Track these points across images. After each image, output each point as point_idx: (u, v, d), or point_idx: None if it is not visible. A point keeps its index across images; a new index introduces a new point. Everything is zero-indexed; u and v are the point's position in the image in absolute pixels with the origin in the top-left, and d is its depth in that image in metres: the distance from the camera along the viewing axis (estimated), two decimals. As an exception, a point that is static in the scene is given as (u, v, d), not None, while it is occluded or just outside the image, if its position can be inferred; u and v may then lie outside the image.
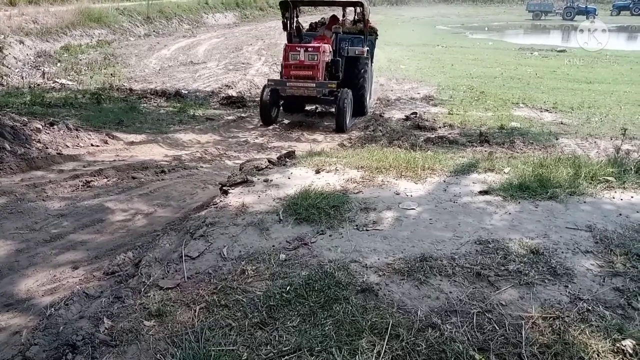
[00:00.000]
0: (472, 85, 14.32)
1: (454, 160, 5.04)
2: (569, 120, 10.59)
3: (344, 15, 13.22)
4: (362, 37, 11.78)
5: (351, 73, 10.95)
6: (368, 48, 11.61)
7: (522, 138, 8.72)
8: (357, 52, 11.12)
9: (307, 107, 11.87)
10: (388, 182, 4.23)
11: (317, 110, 12.09)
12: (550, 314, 2.43)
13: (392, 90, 13.99)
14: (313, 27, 12.44)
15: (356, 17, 12.62)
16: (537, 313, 2.43)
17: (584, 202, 3.76)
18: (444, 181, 4.27)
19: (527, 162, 4.84)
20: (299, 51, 10.22)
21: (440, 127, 9.74)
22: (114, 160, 6.93)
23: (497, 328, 2.35)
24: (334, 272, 2.75)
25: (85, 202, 5.00)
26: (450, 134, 9.18)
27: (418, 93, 13.51)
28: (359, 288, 2.64)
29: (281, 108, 11.22)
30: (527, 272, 2.75)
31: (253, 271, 2.86)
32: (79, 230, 4.29)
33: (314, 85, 9.95)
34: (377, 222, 3.43)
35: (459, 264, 2.83)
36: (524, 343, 2.25)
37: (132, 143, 7.99)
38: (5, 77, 12.34)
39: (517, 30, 40.11)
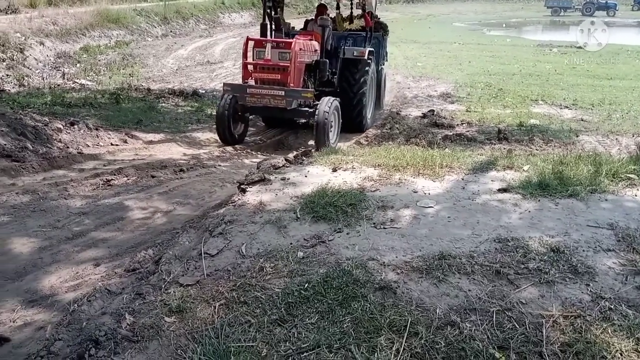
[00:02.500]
0: (490, 82, 14.19)
1: (472, 158, 5.00)
2: (590, 117, 10.45)
3: (338, 7, 11.31)
4: (365, 34, 9.77)
5: (347, 79, 9.07)
6: (372, 48, 9.63)
7: (542, 135, 8.63)
8: (355, 54, 9.08)
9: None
10: (405, 180, 4.22)
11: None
12: (571, 312, 2.41)
13: (409, 88, 13.94)
14: (306, 24, 10.31)
15: (355, 7, 10.75)
16: (558, 312, 2.41)
17: (606, 199, 3.70)
18: (462, 179, 4.24)
19: (547, 159, 4.79)
20: (265, 47, 8.12)
21: (458, 125, 9.68)
22: (134, 159, 7.02)
23: (517, 326, 2.33)
24: (352, 270, 2.76)
25: (105, 200, 5.08)
26: (468, 131, 9.12)
27: (435, 90, 13.44)
28: (377, 286, 2.64)
29: (249, 121, 9.04)
30: (547, 270, 2.72)
31: (271, 268, 2.88)
32: (100, 228, 4.36)
33: (283, 93, 7.72)
34: (395, 220, 3.43)
35: (478, 262, 2.82)
36: (544, 342, 2.24)
37: (150, 142, 8.08)
38: (26, 78, 12.55)
39: (535, 27, 39.64)
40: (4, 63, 12.76)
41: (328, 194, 3.73)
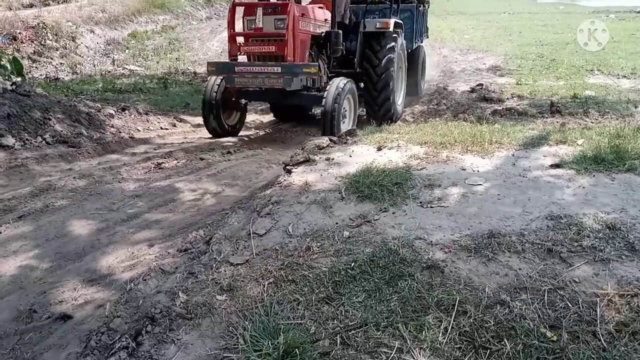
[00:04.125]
0: (542, 53, 13.66)
1: (523, 133, 4.85)
2: (650, 86, 9.90)
3: None
4: (391, 3, 8.39)
5: (369, 58, 7.62)
6: (399, 20, 8.30)
7: (597, 107, 8.26)
8: (377, 26, 7.66)
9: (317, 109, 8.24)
10: (453, 157, 4.14)
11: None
12: (627, 291, 2.32)
13: (456, 62, 13.61)
14: None
15: None
16: (614, 290, 2.33)
17: (667, 173, 3.52)
18: (513, 155, 4.13)
19: (603, 132, 4.59)
20: (256, 13, 6.56)
21: (508, 99, 9.40)
22: (183, 143, 7.20)
23: (570, 305, 2.27)
24: (398, 249, 2.75)
25: (157, 183, 5.24)
26: (518, 105, 8.83)
27: (484, 63, 13.06)
28: (424, 265, 2.62)
29: (246, 110, 7.92)
30: (602, 248, 2.62)
31: (318, 248, 2.91)
32: (153, 210, 4.51)
33: (279, 70, 6.35)
34: (442, 199, 3.38)
35: (528, 240, 2.75)
36: (598, 321, 2.17)
37: (198, 125, 8.25)
38: (78, 66, 13.01)
39: (591, -8, 37.62)
40: (58, 52, 13.26)
41: (373, 174, 3.71)
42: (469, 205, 3.26)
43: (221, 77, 7.05)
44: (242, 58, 7.08)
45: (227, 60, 7.06)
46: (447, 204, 3.30)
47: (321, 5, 7.65)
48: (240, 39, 6.86)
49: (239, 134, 7.89)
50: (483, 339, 2.13)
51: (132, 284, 3.00)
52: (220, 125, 7.40)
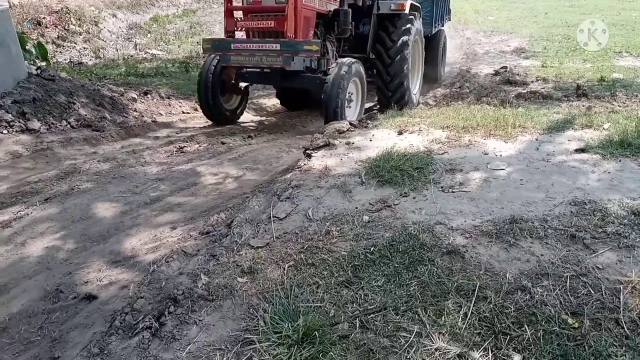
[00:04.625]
0: (569, 35, 13.33)
1: (548, 117, 4.77)
2: (681, 68, 9.60)
3: None
4: None
5: (382, 41, 7.23)
6: (417, 3, 7.83)
7: (625, 90, 8.05)
8: (392, 7, 7.27)
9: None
10: (475, 141, 4.09)
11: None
12: (653, 279, 2.28)
13: (479, 44, 13.38)
14: None
15: None
16: (638, 277, 2.29)
17: (697, 159, 3.43)
18: (536, 139, 4.06)
19: (630, 116, 4.48)
20: None
21: (532, 82, 9.23)
22: (204, 127, 7.24)
23: (593, 292, 2.24)
24: (419, 234, 2.74)
25: (179, 166, 5.30)
26: (543, 88, 8.67)
27: (508, 46, 12.82)
28: (445, 250, 2.61)
29: (247, 94, 7.41)
30: (627, 234, 2.57)
31: (337, 232, 2.92)
32: (175, 193, 4.57)
33: (278, 47, 5.86)
34: (464, 184, 3.35)
35: (551, 226, 2.71)
36: (622, 308, 2.14)
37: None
38: (101, 50, 13.13)
39: (621, -29, 36.39)
40: (81, 36, 13.39)
41: (393, 158, 3.69)
42: (491, 190, 3.22)
43: (217, 57, 6.60)
44: (241, 35, 6.62)
45: (223, 37, 6.53)
46: (468, 188, 3.27)
47: None
48: (238, 14, 6.36)
49: (256, 118, 7.79)
50: (503, 325, 2.12)
51: (155, 266, 3.06)
52: (218, 110, 6.99)
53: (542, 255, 2.51)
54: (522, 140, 4.05)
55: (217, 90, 6.83)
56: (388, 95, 7.28)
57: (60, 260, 3.40)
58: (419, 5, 8.04)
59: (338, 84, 5.95)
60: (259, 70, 6.63)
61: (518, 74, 9.70)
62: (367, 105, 7.51)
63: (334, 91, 5.94)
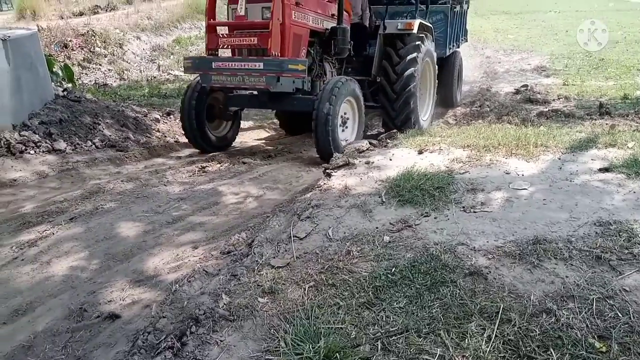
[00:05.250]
0: (590, 53, 13.20)
1: (570, 136, 4.72)
2: None
3: None
4: (416, 3, 7.41)
5: (388, 57, 6.83)
6: (426, 22, 7.37)
7: (650, 108, 7.91)
8: (399, 27, 6.87)
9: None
10: (497, 161, 4.06)
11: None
12: (683, 302, 2.22)
13: (499, 62, 13.35)
14: None
15: None
16: (668, 301, 2.23)
17: None
18: (559, 159, 4.02)
19: (656, 135, 4.40)
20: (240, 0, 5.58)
21: (554, 100, 9.16)
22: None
23: (620, 315, 2.19)
24: (440, 255, 2.72)
25: (201, 186, 5.36)
26: (565, 106, 8.59)
27: (529, 64, 12.77)
28: (467, 271, 2.58)
29: (238, 118, 6.96)
30: (655, 256, 2.52)
31: (358, 252, 2.91)
32: (197, 212, 4.61)
33: (262, 65, 5.37)
34: (486, 204, 3.32)
35: (576, 247, 2.67)
36: (651, 333, 2.09)
37: (240, 129, 8.37)
38: (126, 72, 13.42)
39: (643, -13, 36.10)
40: (106, 58, 13.72)
41: (414, 177, 3.69)
42: (513, 210, 3.19)
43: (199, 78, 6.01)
44: (226, 54, 6.17)
45: (204, 55, 5.98)
46: (490, 208, 3.25)
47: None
48: (222, 30, 5.84)
49: (276, 135, 7.84)
50: (528, 349, 2.08)
51: (177, 285, 3.07)
52: (204, 138, 6.49)
53: (567, 276, 2.46)
54: (545, 160, 4.02)
55: (203, 116, 6.39)
56: (393, 115, 6.86)
57: (84, 279, 3.45)
58: (431, 25, 7.71)
59: (327, 104, 5.51)
60: (248, 93, 6.23)
61: (539, 92, 9.64)
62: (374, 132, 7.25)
63: (323, 112, 5.50)
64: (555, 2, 26.60)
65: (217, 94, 6.44)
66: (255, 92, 6.17)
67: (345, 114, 6.02)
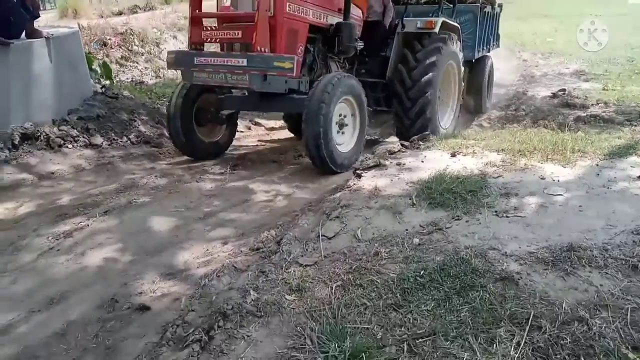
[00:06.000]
0: (632, 57, 12.82)
1: (609, 142, 4.58)
2: None
3: None
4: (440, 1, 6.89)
5: (405, 59, 6.25)
6: (454, 23, 6.86)
7: (694, 115, 7.63)
8: (419, 25, 6.30)
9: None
10: (532, 165, 3.98)
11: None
12: None
13: (537, 66, 13.09)
14: None
15: None
16: None
17: None
18: (597, 165, 3.91)
19: (700, 142, 4.24)
20: None
21: (592, 105, 8.90)
22: (257, 145, 7.40)
23: (657, 327, 2.12)
24: (471, 259, 2.68)
25: (232, 183, 5.42)
26: (604, 112, 8.34)
27: (567, 68, 12.47)
28: (498, 276, 2.54)
29: (234, 123, 6.46)
30: (696, 267, 2.43)
31: (386, 253, 2.90)
32: (227, 209, 4.67)
33: (245, 62, 4.76)
34: (519, 209, 3.26)
35: (611, 255, 2.59)
36: (690, 346, 2.01)
37: (272, 129, 8.45)
38: (162, 70, 13.65)
39: (691, -9, 34.79)
40: (143, 57, 13.99)
41: (446, 180, 3.65)
42: (548, 216, 3.12)
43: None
44: (214, 48, 5.69)
45: (187, 50, 5.40)
46: (524, 214, 3.18)
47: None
48: (210, 22, 5.26)
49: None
50: (558, 357, 2.03)
51: (207, 280, 3.12)
52: (193, 144, 5.94)
53: (601, 285, 2.40)
54: (582, 166, 3.91)
55: (191, 120, 5.87)
56: (407, 124, 6.22)
57: (116, 271, 3.52)
58: (457, 25, 7.05)
59: (319, 103, 4.82)
60: (241, 94, 5.69)
61: (577, 97, 9.39)
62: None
63: (313, 113, 4.83)
64: (596, 6, 25.92)
65: (208, 95, 5.89)
66: (246, 93, 5.69)
67: (342, 117, 5.37)
